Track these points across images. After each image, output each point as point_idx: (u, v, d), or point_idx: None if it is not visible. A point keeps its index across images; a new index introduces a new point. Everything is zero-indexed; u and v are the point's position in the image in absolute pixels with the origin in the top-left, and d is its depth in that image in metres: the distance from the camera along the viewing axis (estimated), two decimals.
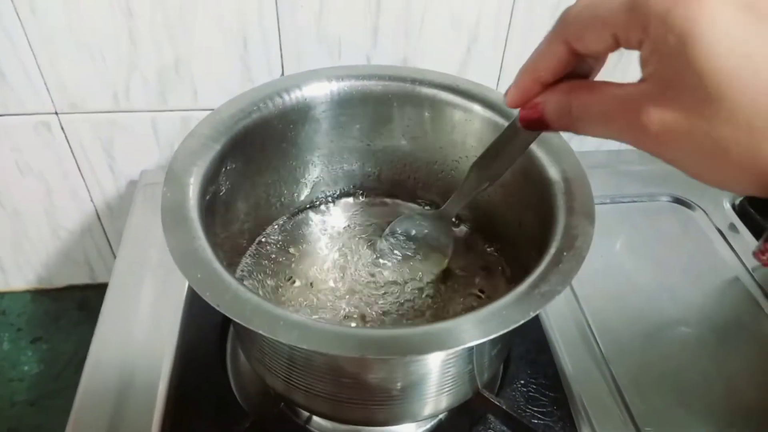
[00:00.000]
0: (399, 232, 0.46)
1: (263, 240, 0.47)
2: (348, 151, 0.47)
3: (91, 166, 0.62)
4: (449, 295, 0.44)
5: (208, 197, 0.35)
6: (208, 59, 0.56)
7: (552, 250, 0.32)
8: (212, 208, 0.36)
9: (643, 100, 0.22)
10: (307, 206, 0.50)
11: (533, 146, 0.39)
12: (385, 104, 0.45)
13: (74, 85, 0.56)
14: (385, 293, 0.44)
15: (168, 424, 0.41)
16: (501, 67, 0.59)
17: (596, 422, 0.42)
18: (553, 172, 0.37)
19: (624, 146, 0.72)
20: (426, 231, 0.45)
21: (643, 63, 0.22)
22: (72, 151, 0.61)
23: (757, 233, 0.57)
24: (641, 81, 0.22)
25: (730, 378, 0.46)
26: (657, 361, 0.47)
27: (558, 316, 0.49)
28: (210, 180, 0.36)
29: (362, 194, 0.51)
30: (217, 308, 0.27)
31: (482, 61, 0.59)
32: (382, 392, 0.33)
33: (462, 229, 0.49)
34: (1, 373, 0.66)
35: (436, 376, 0.33)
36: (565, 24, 0.24)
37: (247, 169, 0.41)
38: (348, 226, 0.49)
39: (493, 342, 0.35)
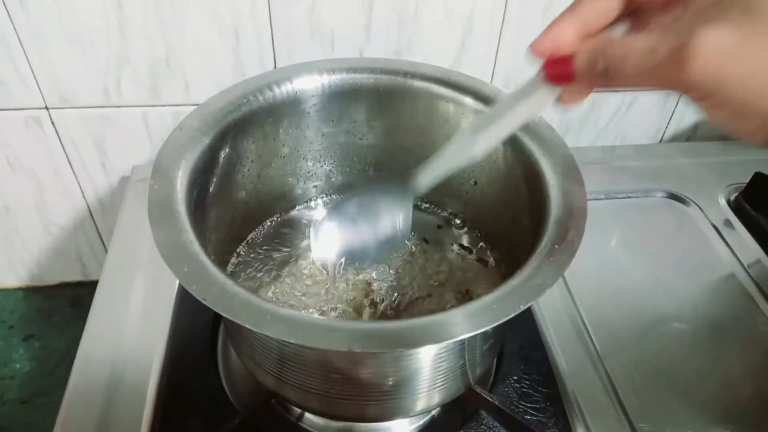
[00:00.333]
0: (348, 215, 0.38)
1: (255, 235, 0.46)
2: (340, 145, 0.47)
3: (83, 162, 0.62)
4: (442, 289, 0.44)
5: (196, 191, 0.35)
6: (199, 53, 0.55)
7: (544, 244, 0.31)
8: (201, 202, 0.36)
9: (691, 22, 0.21)
10: (299, 202, 0.49)
11: (526, 139, 0.39)
12: (377, 97, 0.44)
13: (65, 80, 0.55)
14: (379, 288, 0.43)
15: (158, 420, 0.40)
16: (495, 61, 0.59)
17: (590, 418, 0.42)
18: (546, 166, 0.37)
19: (620, 141, 0.71)
20: (382, 210, 0.37)
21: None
22: (63, 146, 0.60)
23: (752, 229, 0.57)
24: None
25: (725, 374, 0.46)
26: (651, 357, 0.47)
27: (552, 312, 0.49)
28: (199, 173, 0.36)
29: (355, 189, 0.50)
30: (204, 302, 0.27)
31: (476, 55, 0.58)
32: (374, 388, 0.33)
33: (457, 223, 0.49)
34: None
35: (428, 371, 0.33)
36: None
37: (237, 163, 0.41)
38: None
39: (485, 336, 0.35)
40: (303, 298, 0.43)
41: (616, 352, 0.47)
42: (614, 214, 0.59)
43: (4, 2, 0.50)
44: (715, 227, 0.58)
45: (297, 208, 0.49)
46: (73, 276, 0.72)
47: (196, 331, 0.45)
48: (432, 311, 0.42)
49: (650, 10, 0.25)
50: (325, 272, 0.44)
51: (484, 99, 0.42)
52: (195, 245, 0.30)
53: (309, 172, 0.48)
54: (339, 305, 0.42)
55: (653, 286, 0.53)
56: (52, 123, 0.58)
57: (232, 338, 0.39)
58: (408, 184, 0.35)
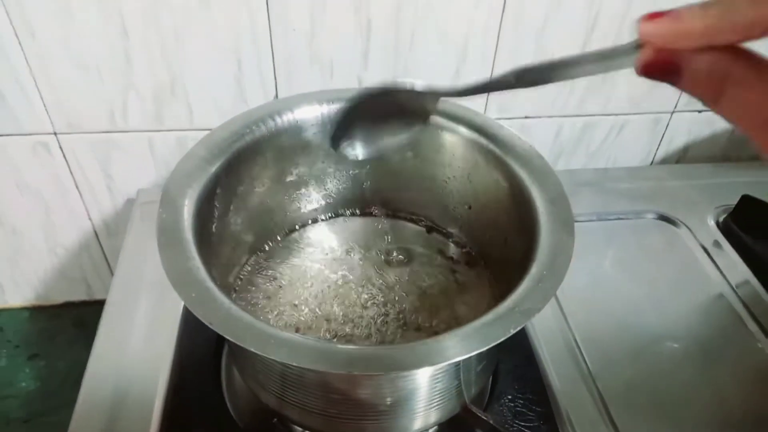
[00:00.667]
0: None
1: (257, 259, 0.48)
2: (339, 171, 0.48)
3: (89, 185, 0.63)
4: (438, 312, 0.45)
5: (202, 218, 0.37)
6: (203, 80, 0.57)
7: (533, 269, 0.33)
8: (206, 229, 0.37)
9: None
10: (300, 225, 0.51)
11: (517, 167, 0.41)
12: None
13: (72, 106, 0.57)
14: (377, 309, 0.45)
15: None
16: None
17: None
18: (536, 193, 0.38)
19: (612, 164, 0.73)
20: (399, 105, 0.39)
21: None
22: (70, 170, 0.62)
23: (740, 250, 0.58)
24: None
25: (715, 392, 0.47)
26: (643, 376, 0.48)
27: (545, 332, 0.50)
28: (204, 201, 0.37)
29: (354, 212, 0.52)
30: (210, 326, 0.29)
31: (470, 81, 0.60)
32: (372, 408, 0.34)
33: (453, 249, 0.51)
34: None
35: (424, 391, 0.34)
36: None
37: (241, 190, 0.43)
38: (342, 243, 0.50)
39: (479, 357, 0.36)
40: (305, 320, 0.44)
41: (608, 371, 0.48)
42: (606, 235, 0.60)
43: (15, 31, 0.52)
44: (704, 248, 0.59)
45: (297, 230, 0.51)
46: (78, 296, 0.73)
47: (200, 351, 0.47)
48: (426, 330, 0.43)
49: None
50: (327, 295, 0.46)
51: (477, 129, 0.44)
52: (201, 271, 0.32)
53: (308, 196, 0.50)
54: (337, 326, 0.44)
55: (644, 305, 0.54)
56: (60, 147, 0.60)
57: (236, 360, 0.40)
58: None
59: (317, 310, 0.45)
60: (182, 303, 0.50)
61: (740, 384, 0.48)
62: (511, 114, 0.64)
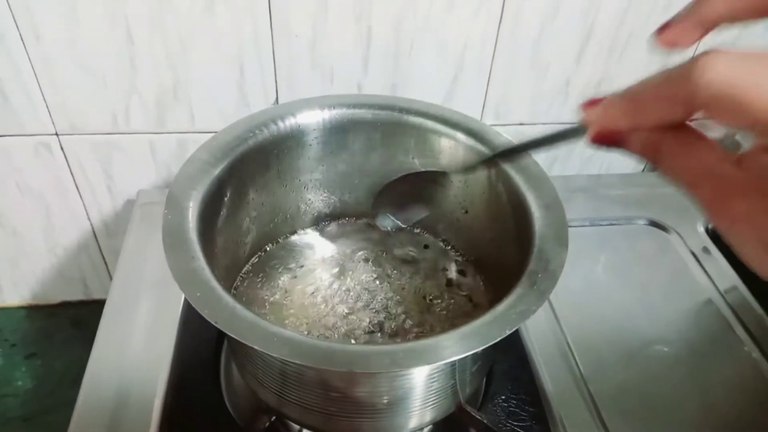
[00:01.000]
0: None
1: (258, 260, 0.49)
2: (339, 175, 0.49)
3: (90, 186, 0.64)
4: (435, 315, 0.46)
5: (206, 219, 0.37)
6: (205, 84, 0.58)
7: (528, 272, 0.34)
8: (210, 230, 0.38)
9: (741, 188, 0.21)
10: (300, 228, 0.52)
11: (513, 173, 0.42)
12: (374, 131, 0.47)
13: (75, 108, 0.58)
14: (375, 312, 0.46)
15: None
16: (485, 96, 0.62)
17: None
18: (531, 199, 0.39)
19: (605, 171, 0.75)
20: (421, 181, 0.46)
21: (755, 154, 0.21)
22: (71, 171, 0.62)
23: (728, 256, 0.60)
24: (743, 160, 0.21)
25: (705, 396, 0.48)
26: (634, 379, 0.49)
27: (539, 334, 0.51)
28: (208, 203, 0.38)
29: (353, 216, 0.53)
30: (216, 325, 0.29)
31: (468, 90, 0.61)
32: (370, 406, 0.35)
33: (450, 252, 0.52)
34: None
35: (421, 390, 0.35)
36: (698, 89, 0.20)
37: (243, 192, 0.43)
38: (341, 246, 0.51)
39: (474, 358, 0.37)
40: (305, 320, 0.45)
41: (600, 373, 0.49)
42: (599, 241, 0.62)
43: (20, 34, 0.53)
44: (693, 254, 0.61)
45: (297, 233, 0.52)
46: (75, 295, 0.74)
47: (200, 351, 0.48)
48: (422, 333, 0.44)
49: None
50: (325, 296, 0.47)
51: (474, 134, 0.45)
52: (206, 272, 0.33)
53: (309, 200, 0.51)
54: (337, 326, 0.45)
55: (636, 310, 0.55)
56: (62, 148, 0.61)
57: (237, 359, 0.41)
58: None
59: (315, 311, 0.46)
60: (181, 303, 0.52)
61: (728, 387, 0.49)
62: (507, 120, 0.65)
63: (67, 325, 0.73)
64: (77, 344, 0.71)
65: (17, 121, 0.58)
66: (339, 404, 0.35)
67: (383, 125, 0.47)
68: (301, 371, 0.34)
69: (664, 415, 0.47)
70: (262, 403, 0.41)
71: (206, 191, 0.38)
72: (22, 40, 0.53)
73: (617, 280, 0.58)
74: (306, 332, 0.44)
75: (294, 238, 0.51)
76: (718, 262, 0.60)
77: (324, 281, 0.48)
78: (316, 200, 0.51)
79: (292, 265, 0.49)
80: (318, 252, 0.51)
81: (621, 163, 0.72)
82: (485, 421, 0.40)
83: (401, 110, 0.46)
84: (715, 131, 0.24)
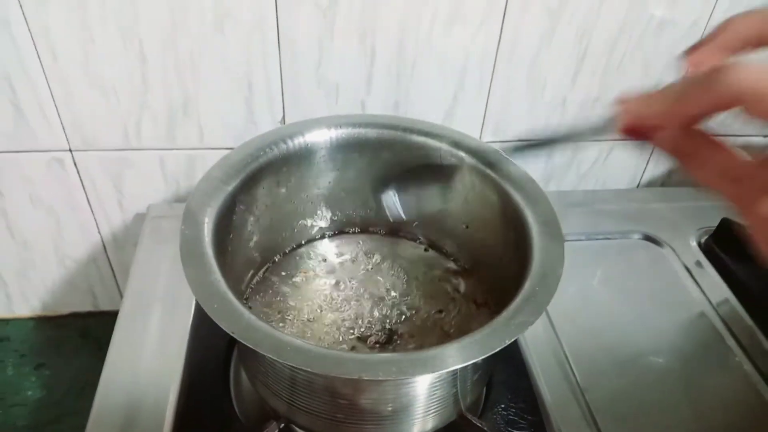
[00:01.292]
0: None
1: (266, 271, 0.51)
2: (345, 191, 0.52)
3: (100, 200, 0.66)
4: (438, 326, 0.48)
5: (220, 233, 0.39)
6: (214, 101, 0.60)
7: (527, 286, 0.36)
8: (224, 243, 0.40)
9: (764, 188, 0.22)
10: (307, 240, 0.54)
11: (512, 190, 0.44)
12: (379, 149, 0.49)
13: (88, 124, 0.60)
14: (381, 323, 0.48)
15: None
16: (484, 114, 0.65)
17: None
18: (529, 215, 0.41)
19: (600, 186, 0.77)
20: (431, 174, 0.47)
21: None
22: (83, 185, 0.64)
23: (720, 270, 0.61)
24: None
25: (697, 405, 0.50)
26: (629, 389, 0.50)
27: (537, 345, 0.53)
28: (222, 218, 0.40)
29: (359, 230, 0.55)
30: (233, 335, 0.31)
31: (468, 108, 0.64)
32: (375, 412, 0.37)
33: (451, 265, 0.54)
34: (4, 399, 0.68)
35: (424, 398, 0.37)
36: (730, 87, 0.22)
37: (254, 208, 0.45)
38: (346, 258, 0.53)
39: (475, 367, 0.39)
40: (311, 330, 0.47)
41: (596, 383, 0.50)
42: (594, 255, 0.63)
43: (38, 54, 0.55)
44: (687, 268, 0.62)
45: (303, 245, 0.54)
46: (83, 307, 0.75)
47: (210, 361, 0.49)
48: (426, 343, 0.46)
49: None
50: (332, 307, 0.49)
51: (474, 153, 0.47)
52: (222, 284, 0.34)
53: (316, 214, 0.53)
54: (344, 336, 0.46)
55: (630, 321, 0.56)
56: (74, 164, 0.62)
57: (247, 368, 0.43)
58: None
59: (322, 321, 0.47)
60: (191, 314, 0.53)
61: (720, 396, 0.51)
62: (506, 137, 0.67)
63: (76, 335, 0.74)
64: (85, 355, 0.72)
65: (32, 136, 0.60)
66: (346, 411, 0.37)
67: (387, 144, 0.49)
68: (310, 379, 0.36)
69: (658, 424, 0.48)
70: (271, 411, 0.43)
71: (220, 207, 0.40)
72: (39, 59, 0.55)
73: (613, 293, 0.59)
74: (312, 340, 0.45)
75: (301, 250, 0.53)
76: (710, 275, 0.61)
77: (330, 293, 0.50)
78: (323, 215, 0.53)
79: (299, 277, 0.51)
80: (324, 264, 0.53)
81: (616, 179, 0.74)
82: (486, 429, 0.42)
83: (405, 130, 0.49)
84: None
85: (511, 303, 0.35)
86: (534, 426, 0.46)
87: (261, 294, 0.49)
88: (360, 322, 0.48)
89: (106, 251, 0.71)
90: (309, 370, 0.30)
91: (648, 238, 0.65)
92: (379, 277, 0.51)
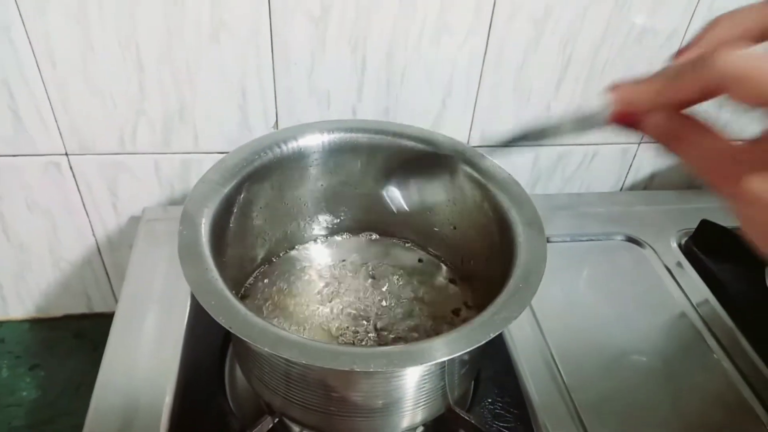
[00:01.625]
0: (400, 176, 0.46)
1: (261, 272, 0.52)
2: (337, 194, 0.53)
3: (96, 203, 0.67)
4: (428, 323, 0.50)
5: (216, 234, 0.41)
6: (209, 107, 0.61)
7: (511, 283, 0.38)
8: (220, 244, 0.42)
9: (752, 165, 0.22)
10: (300, 243, 0.55)
11: (497, 192, 0.46)
12: (370, 154, 0.51)
13: (85, 129, 0.61)
14: (372, 322, 0.49)
15: None
16: (472, 120, 0.66)
17: None
18: (514, 217, 0.43)
19: (585, 189, 0.79)
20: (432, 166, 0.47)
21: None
22: (78, 189, 0.65)
23: (700, 271, 0.63)
24: (756, 143, 0.23)
25: (678, 403, 0.51)
26: (612, 386, 0.52)
27: (523, 343, 0.54)
28: (218, 220, 0.42)
29: (351, 233, 0.57)
30: (230, 330, 0.33)
31: (455, 114, 0.66)
32: (367, 405, 0.38)
33: (439, 266, 0.55)
34: None
35: (413, 391, 0.39)
36: (717, 70, 0.22)
37: (249, 210, 0.47)
38: (337, 260, 0.55)
39: (462, 362, 0.41)
40: (304, 326, 0.48)
41: (580, 379, 0.51)
42: (579, 256, 0.65)
43: (36, 60, 0.56)
44: (668, 269, 0.64)
45: (297, 248, 0.55)
46: (78, 309, 0.76)
47: (205, 360, 0.50)
48: (416, 339, 0.48)
49: None
50: (324, 306, 0.50)
51: (461, 156, 0.49)
52: (219, 282, 0.36)
53: (309, 217, 0.54)
54: (336, 332, 0.48)
55: (614, 321, 0.58)
56: (71, 168, 0.64)
57: (243, 364, 0.44)
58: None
59: (314, 322, 0.49)
60: (186, 315, 0.55)
61: (700, 394, 0.52)
62: (492, 142, 0.69)
63: (70, 337, 0.75)
64: (79, 356, 0.73)
65: (30, 141, 0.61)
66: (338, 404, 0.38)
67: (378, 148, 0.51)
68: (304, 373, 0.37)
69: (640, 419, 0.50)
70: (265, 406, 0.44)
71: (216, 209, 0.42)
72: (37, 65, 0.56)
73: (596, 293, 0.61)
74: (308, 337, 0.47)
75: (294, 252, 0.55)
76: (690, 276, 0.63)
77: (323, 295, 0.51)
78: (316, 217, 0.55)
79: (293, 278, 0.52)
80: (317, 266, 0.54)
81: (600, 182, 0.76)
82: (473, 422, 0.44)
83: (395, 134, 0.50)
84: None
85: (496, 299, 0.37)
86: (520, 419, 0.48)
87: (255, 295, 0.51)
88: (352, 324, 0.49)
89: (100, 254, 0.72)
90: (304, 362, 0.32)
91: (631, 240, 0.67)
92: (371, 280, 0.53)
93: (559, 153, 0.72)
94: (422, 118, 0.65)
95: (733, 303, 0.60)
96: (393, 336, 0.48)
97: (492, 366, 0.51)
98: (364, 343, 0.47)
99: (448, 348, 0.33)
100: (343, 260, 0.55)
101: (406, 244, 0.57)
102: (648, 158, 0.74)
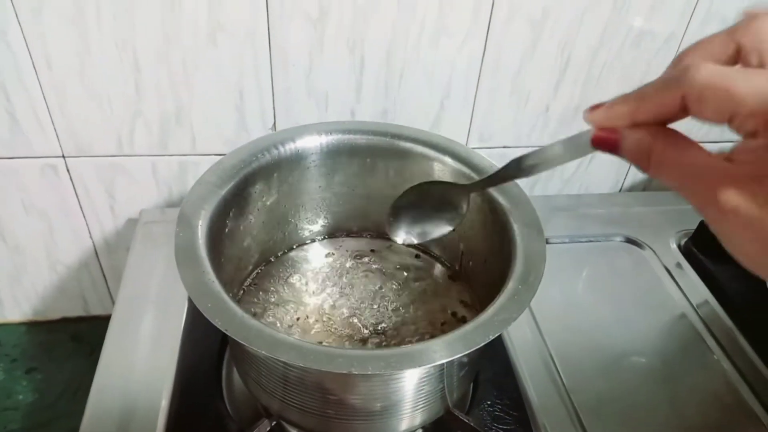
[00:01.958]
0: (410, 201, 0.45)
1: (259, 274, 0.52)
2: (335, 195, 0.53)
3: (93, 206, 0.67)
4: (427, 325, 0.49)
5: (213, 236, 0.41)
6: (207, 109, 0.61)
7: (510, 284, 0.37)
8: (217, 246, 0.41)
9: (728, 179, 0.22)
10: (298, 244, 0.55)
11: (496, 194, 0.45)
12: (367, 155, 0.51)
13: (82, 131, 0.61)
14: (371, 323, 0.49)
15: None
16: (470, 122, 0.66)
17: None
18: (513, 218, 0.43)
19: (584, 191, 0.79)
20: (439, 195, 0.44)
21: (741, 149, 0.23)
22: (75, 191, 0.65)
23: (699, 272, 0.63)
24: (731, 156, 0.23)
25: (678, 403, 0.51)
26: (612, 387, 0.52)
27: (522, 345, 0.54)
28: (215, 221, 0.41)
29: (349, 234, 0.56)
30: (226, 332, 0.32)
31: (454, 116, 0.65)
32: (365, 408, 0.38)
33: (438, 267, 0.55)
34: None
35: (412, 393, 0.38)
36: (690, 82, 0.23)
37: (246, 212, 0.47)
38: (335, 262, 0.55)
39: (460, 364, 0.40)
40: (301, 329, 0.48)
41: (579, 381, 0.51)
42: (578, 257, 0.65)
43: (33, 64, 0.56)
44: (667, 270, 0.64)
45: (295, 249, 0.55)
46: (75, 311, 0.76)
47: (202, 363, 0.50)
48: (413, 341, 0.47)
49: None
50: (321, 307, 0.50)
51: (460, 158, 0.49)
52: (216, 284, 0.36)
53: (306, 219, 0.54)
54: (332, 333, 0.48)
55: (613, 322, 0.58)
56: (68, 170, 0.63)
57: (240, 367, 0.44)
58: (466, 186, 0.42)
59: (312, 323, 0.49)
60: (183, 317, 0.54)
61: (700, 395, 0.52)
62: (492, 144, 0.69)
63: (67, 340, 0.75)
64: (76, 359, 0.73)
65: (26, 143, 0.60)
66: (336, 407, 0.38)
67: (376, 150, 0.50)
68: (301, 376, 0.37)
69: (640, 420, 0.49)
70: (262, 409, 0.44)
71: (213, 210, 0.41)
72: (34, 67, 0.56)
73: (596, 294, 0.61)
74: (306, 339, 0.46)
75: (292, 254, 0.55)
76: (690, 277, 0.63)
77: (321, 296, 0.51)
78: (314, 219, 0.54)
79: (290, 279, 0.52)
80: (314, 267, 0.54)
81: (599, 183, 0.76)
82: (472, 424, 0.43)
83: (393, 136, 0.50)
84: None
85: (495, 301, 0.36)
86: (519, 422, 0.47)
87: (252, 296, 0.50)
88: (350, 325, 0.49)
89: (97, 256, 0.71)
90: (301, 365, 0.31)
91: (630, 241, 0.67)
92: (369, 281, 0.53)
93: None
94: (420, 120, 0.65)
95: (733, 304, 0.60)
96: (391, 338, 0.48)
97: (491, 367, 0.51)
98: (361, 345, 0.47)
99: (446, 350, 0.33)
100: (342, 262, 0.55)
101: (406, 246, 0.56)
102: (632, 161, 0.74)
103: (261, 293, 0.50)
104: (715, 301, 0.61)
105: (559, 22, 0.60)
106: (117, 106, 0.59)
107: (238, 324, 0.33)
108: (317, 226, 0.55)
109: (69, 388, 0.70)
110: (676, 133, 0.25)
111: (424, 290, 0.53)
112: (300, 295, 0.51)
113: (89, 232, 0.69)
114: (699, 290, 0.62)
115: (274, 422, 0.43)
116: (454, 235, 0.52)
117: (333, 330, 0.48)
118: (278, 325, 0.48)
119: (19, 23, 0.53)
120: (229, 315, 0.34)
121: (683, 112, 0.24)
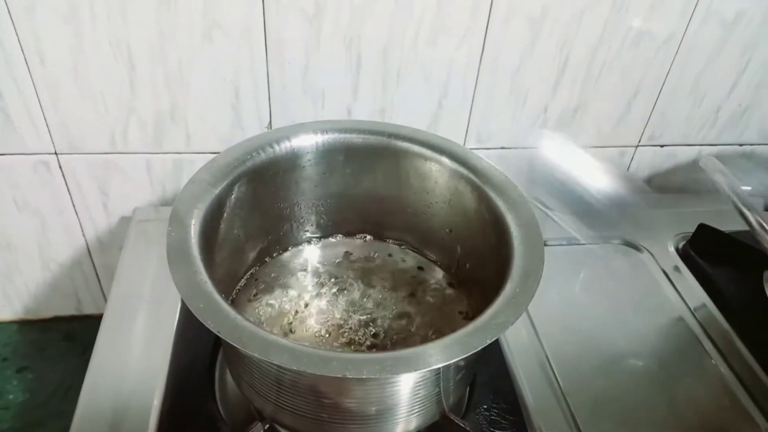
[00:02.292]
0: None
1: (253, 274, 0.51)
2: (331, 195, 0.52)
3: (86, 204, 0.66)
4: (423, 327, 0.49)
5: (207, 236, 0.40)
6: (202, 107, 0.60)
7: (507, 287, 0.37)
8: (210, 245, 0.41)
9: None
10: (292, 244, 0.54)
11: (493, 195, 0.45)
12: (364, 155, 0.50)
13: (75, 128, 0.60)
14: (366, 325, 0.48)
15: None
16: (468, 121, 0.66)
17: None
18: (510, 220, 0.42)
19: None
20: None
21: None
22: (68, 188, 0.64)
23: (697, 275, 0.63)
24: None
25: (675, 406, 0.51)
26: (608, 390, 0.51)
27: (519, 348, 0.53)
28: (209, 220, 0.41)
29: (344, 235, 0.56)
30: (218, 334, 0.32)
31: (452, 116, 0.65)
32: (360, 412, 0.37)
33: (435, 269, 0.55)
34: None
35: (407, 397, 0.38)
36: None
37: (241, 211, 0.46)
38: (331, 263, 0.54)
39: (456, 368, 0.40)
40: (295, 331, 0.47)
41: (576, 384, 0.51)
42: (576, 259, 0.65)
43: (25, 59, 0.55)
44: (665, 273, 0.64)
45: (290, 249, 0.54)
46: (67, 310, 0.75)
47: (195, 364, 0.49)
48: (410, 344, 0.47)
49: None
50: (316, 308, 0.49)
51: (457, 158, 0.48)
52: (208, 285, 0.35)
53: (302, 218, 0.53)
54: (327, 336, 0.47)
55: (610, 325, 0.57)
56: (60, 167, 0.63)
57: (233, 369, 0.43)
58: None
59: (306, 325, 0.48)
60: (176, 317, 0.54)
61: (697, 398, 0.52)
62: (490, 144, 0.68)
63: (59, 339, 0.74)
64: (69, 358, 0.72)
65: (19, 140, 0.60)
66: (331, 411, 0.37)
67: (373, 149, 0.50)
68: (295, 379, 0.36)
69: (637, 424, 0.49)
70: (255, 412, 0.43)
71: (207, 209, 0.41)
72: (27, 64, 0.55)
73: (593, 297, 0.60)
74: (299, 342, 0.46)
75: (287, 254, 0.54)
76: (687, 280, 0.63)
77: (315, 296, 0.51)
78: (309, 219, 0.54)
79: (285, 281, 0.51)
80: (310, 268, 0.53)
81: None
82: (468, 429, 0.43)
83: (390, 135, 0.50)
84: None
85: (492, 304, 0.36)
86: (516, 426, 0.47)
87: (246, 297, 0.50)
88: (345, 326, 0.48)
89: (90, 255, 0.71)
90: (295, 368, 0.31)
91: (627, 244, 0.67)
92: (364, 282, 0.52)
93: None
94: (418, 119, 0.65)
95: (731, 307, 0.60)
96: (387, 340, 0.47)
97: (487, 371, 0.50)
98: (357, 348, 0.46)
99: (443, 354, 0.32)
100: (337, 263, 0.54)
101: (401, 247, 0.56)
102: (645, 161, 0.74)
103: (255, 295, 0.50)
104: (713, 305, 0.60)
105: (558, 22, 0.60)
106: (111, 103, 0.59)
107: (230, 326, 0.33)
108: (313, 226, 0.55)
109: (61, 387, 0.69)
110: None
111: (421, 293, 0.52)
112: (294, 298, 0.50)
113: (82, 230, 0.68)
114: (696, 293, 0.62)
115: (267, 425, 0.42)
116: (452, 237, 0.51)
117: (328, 332, 0.47)
118: (272, 327, 0.47)
119: (12, 20, 0.52)
120: (221, 316, 0.33)
121: None
